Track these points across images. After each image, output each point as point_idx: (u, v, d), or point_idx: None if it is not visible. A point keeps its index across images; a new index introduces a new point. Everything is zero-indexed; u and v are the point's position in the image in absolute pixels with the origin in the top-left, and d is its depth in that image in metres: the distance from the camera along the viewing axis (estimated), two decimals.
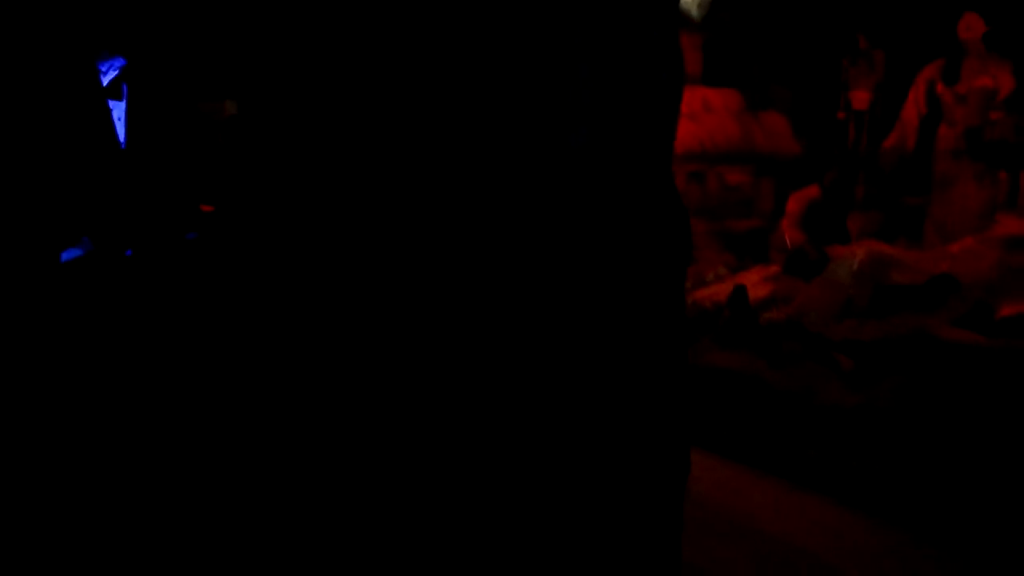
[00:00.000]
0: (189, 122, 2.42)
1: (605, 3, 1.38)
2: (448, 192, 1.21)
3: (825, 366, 2.94)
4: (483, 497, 1.22)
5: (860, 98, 3.93)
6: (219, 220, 2.38)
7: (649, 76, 1.39)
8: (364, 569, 1.22)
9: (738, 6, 4.22)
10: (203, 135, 2.42)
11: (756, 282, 3.40)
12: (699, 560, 1.98)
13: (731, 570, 1.98)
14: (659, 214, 1.38)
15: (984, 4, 3.99)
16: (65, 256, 2.19)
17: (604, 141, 1.32)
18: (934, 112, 4.08)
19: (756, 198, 4.08)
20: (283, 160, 1.43)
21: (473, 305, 1.20)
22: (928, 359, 2.85)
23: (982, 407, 2.56)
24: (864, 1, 4.21)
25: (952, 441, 2.47)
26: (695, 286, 3.59)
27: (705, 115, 3.92)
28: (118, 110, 2.23)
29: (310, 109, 1.37)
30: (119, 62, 2.20)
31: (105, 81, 2.19)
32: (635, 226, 1.35)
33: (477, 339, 1.21)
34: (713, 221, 3.86)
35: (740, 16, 4.24)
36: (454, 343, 1.21)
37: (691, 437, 1.42)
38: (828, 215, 3.77)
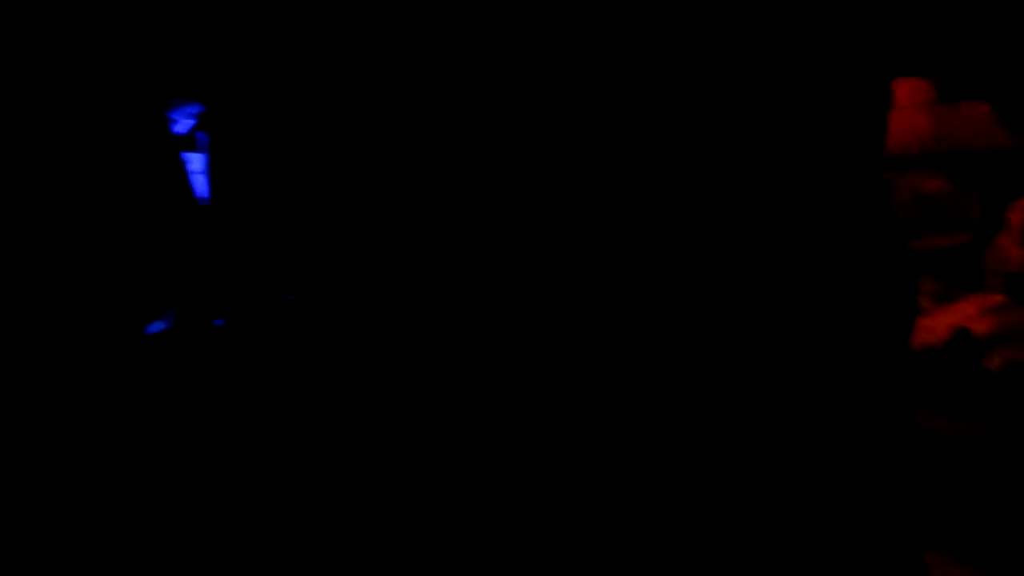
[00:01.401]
0: (301, 165, 2.16)
1: None
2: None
3: None
4: None
5: None
6: (324, 274, 2.10)
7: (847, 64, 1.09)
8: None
9: None
10: (332, 173, 2.20)
11: (974, 315, 2.74)
12: None
13: None
14: (875, 246, 1.09)
15: None
16: (149, 330, 1.98)
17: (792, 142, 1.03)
18: None
19: (958, 208, 3.36)
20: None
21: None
22: None
23: None
24: None
25: None
26: None
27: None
28: (196, 163, 1.98)
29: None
30: (194, 109, 1.95)
31: (178, 131, 1.95)
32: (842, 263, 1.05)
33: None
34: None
35: None
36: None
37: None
38: None
